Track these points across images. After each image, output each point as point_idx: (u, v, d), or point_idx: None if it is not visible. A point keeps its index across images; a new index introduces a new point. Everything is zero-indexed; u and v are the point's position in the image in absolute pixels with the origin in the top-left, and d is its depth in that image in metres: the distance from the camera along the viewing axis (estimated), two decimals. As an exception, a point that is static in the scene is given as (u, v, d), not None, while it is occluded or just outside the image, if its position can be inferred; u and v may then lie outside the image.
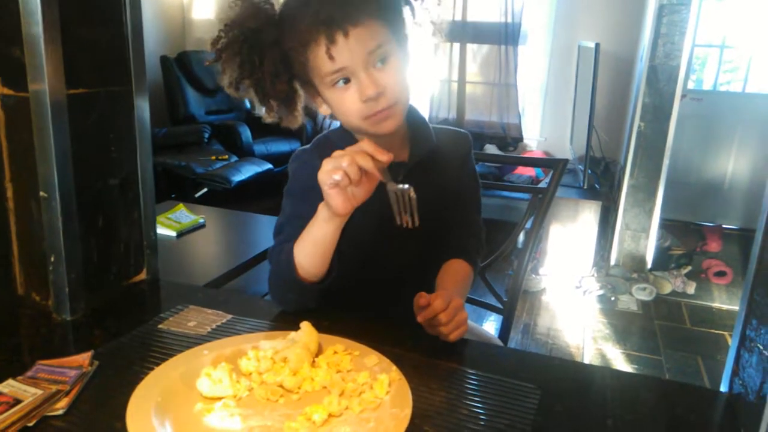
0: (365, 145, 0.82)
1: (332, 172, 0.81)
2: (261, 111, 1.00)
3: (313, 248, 0.93)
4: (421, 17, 0.98)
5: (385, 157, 0.81)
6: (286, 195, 1.05)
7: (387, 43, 0.91)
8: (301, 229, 0.94)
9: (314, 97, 0.99)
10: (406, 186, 0.84)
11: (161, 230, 2.01)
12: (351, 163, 0.80)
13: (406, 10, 0.97)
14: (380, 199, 0.86)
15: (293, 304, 1.01)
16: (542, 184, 1.44)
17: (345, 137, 1.04)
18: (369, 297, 1.05)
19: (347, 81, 0.91)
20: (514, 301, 1.43)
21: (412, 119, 1.06)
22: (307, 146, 1.09)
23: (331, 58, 0.88)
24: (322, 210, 0.89)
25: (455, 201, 1.14)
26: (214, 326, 0.95)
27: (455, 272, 1.13)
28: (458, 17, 4.40)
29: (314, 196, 0.90)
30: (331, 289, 0.98)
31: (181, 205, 2.30)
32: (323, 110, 1.00)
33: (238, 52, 0.93)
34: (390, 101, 0.92)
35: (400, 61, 0.93)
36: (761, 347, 0.74)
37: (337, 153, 0.82)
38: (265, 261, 1.13)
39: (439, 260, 1.14)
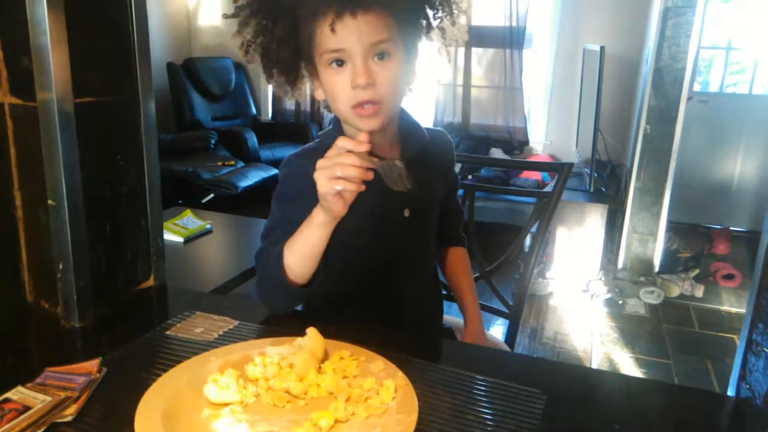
0: (342, 142, 0.83)
1: (332, 182, 0.83)
2: (266, 79, 1.02)
3: (304, 252, 0.94)
4: (442, 23, 0.99)
5: (363, 147, 0.83)
6: (275, 199, 1.06)
7: (392, 41, 0.92)
8: (290, 234, 0.95)
9: (313, 77, 1.00)
10: (391, 160, 0.85)
11: (168, 236, 2.02)
12: (343, 169, 0.82)
13: (424, 21, 0.99)
14: (369, 191, 0.87)
15: (280, 306, 1.03)
16: (548, 188, 1.44)
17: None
18: (365, 285, 1.09)
19: (342, 64, 0.92)
20: (521, 306, 1.43)
21: (404, 120, 1.08)
22: (299, 151, 1.09)
23: (333, 31, 0.89)
24: (317, 215, 0.90)
25: (443, 195, 1.18)
26: (220, 332, 0.95)
27: (464, 268, 1.29)
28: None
29: (305, 202, 0.92)
30: (329, 282, 1.00)
31: (188, 210, 2.31)
32: (318, 94, 1.01)
33: (255, 12, 0.94)
34: (378, 96, 0.92)
35: (398, 64, 0.94)
36: (768, 351, 0.73)
37: (321, 163, 0.84)
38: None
39: (431, 248, 1.19)
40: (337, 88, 0.93)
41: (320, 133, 1.10)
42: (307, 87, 1.04)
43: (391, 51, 0.92)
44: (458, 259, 1.29)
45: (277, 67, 0.98)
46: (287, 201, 1.04)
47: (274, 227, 1.03)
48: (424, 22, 0.99)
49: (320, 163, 0.84)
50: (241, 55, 0.98)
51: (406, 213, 1.07)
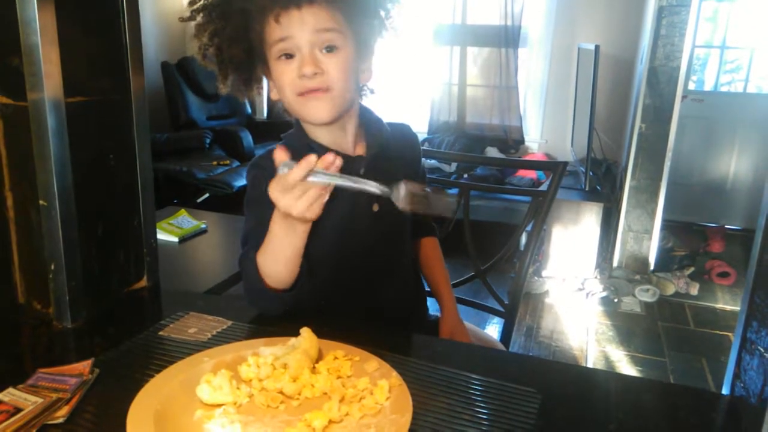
0: (315, 163, 0.80)
1: (306, 211, 0.82)
2: (219, 83, 1.02)
3: (280, 258, 0.93)
4: (394, 20, 1.00)
5: (335, 167, 0.80)
6: (247, 204, 1.05)
7: (340, 33, 0.94)
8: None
9: (269, 77, 1.01)
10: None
11: (163, 236, 2.01)
12: (316, 197, 0.81)
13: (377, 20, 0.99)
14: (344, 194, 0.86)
15: (269, 311, 1.02)
16: (543, 187, 1.44)
17: (302, 138, 1.04)
18: (340, 282, 1.09)
19: (291, 57, 0.94)
20: (516, 304, 1.43)
21: (365, 117, 1.08)
22: (263, 153, 1.08)
23: (278, 22, 0.91)
24: (285, 223, 0.88)
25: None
26: (214, 333, 0.95)
27: (436, 259, 1.29)
28: (458, 20, 4.41)
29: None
30: (314, 282, 1.00)
31: (183, 210, 2.30)
32: (274, 94, 1.01)
33: (209, 13, 0.96)
34: (324, 83, 0.94)
35: (348, 56, 0.96)
36: (762, 350, 0.73)
37: (278, 185, 0.81)
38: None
39: (404, 242, 1.18)
40: (284, 79, 0.95)
41: (283, 135, 1.10)
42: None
43: (339, 44, 0.94)
44: (430, 249, 1.30)
45: (231, 66, 0.99)
46: (259, 203, 1.03)
47: (252, 231, 1.02)
48: (377, 21, 1.00)
49: (276, 185, 0.82)
50: (199, 60, 0.99)
51: (375, 208, 1.07)
